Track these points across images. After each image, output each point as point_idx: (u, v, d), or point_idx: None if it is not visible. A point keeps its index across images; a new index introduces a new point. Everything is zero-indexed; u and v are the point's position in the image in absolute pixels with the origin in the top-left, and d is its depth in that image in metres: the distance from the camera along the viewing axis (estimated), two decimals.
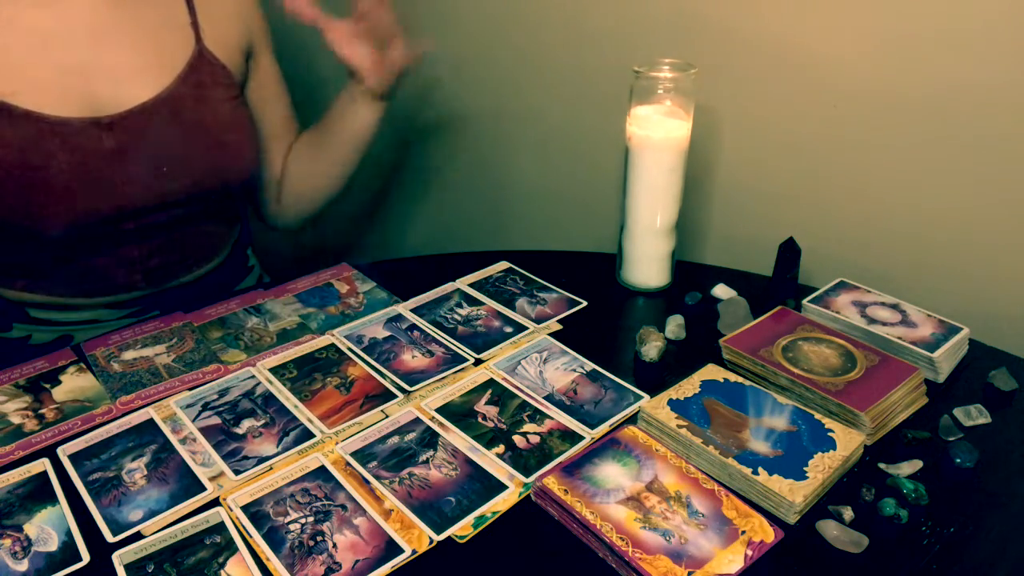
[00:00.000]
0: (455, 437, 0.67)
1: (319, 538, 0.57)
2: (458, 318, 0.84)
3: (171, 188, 0.83)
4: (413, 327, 0.82)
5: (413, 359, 0.77)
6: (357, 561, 0.55)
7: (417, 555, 0.56)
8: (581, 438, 0.67)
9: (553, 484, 0.59)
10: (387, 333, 0.81)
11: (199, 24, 0.85)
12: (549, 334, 0.81)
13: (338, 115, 0.94)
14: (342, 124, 0.94)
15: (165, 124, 0.82)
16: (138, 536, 0.57)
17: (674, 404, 0.67)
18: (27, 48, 0.76)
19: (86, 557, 0.56)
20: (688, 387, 0.69)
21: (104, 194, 0.79)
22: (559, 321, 0.84)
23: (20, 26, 0.75)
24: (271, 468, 0.63)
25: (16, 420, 0.69)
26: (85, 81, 0.78)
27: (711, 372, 0.71)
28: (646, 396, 0.72)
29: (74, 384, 0.73)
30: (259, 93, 0.96)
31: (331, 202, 1.03)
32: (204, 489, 0.61)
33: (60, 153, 0.76)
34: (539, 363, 0.76)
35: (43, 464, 0.64)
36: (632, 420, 0.69)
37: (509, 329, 0.82)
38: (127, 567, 0.55)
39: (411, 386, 0.73)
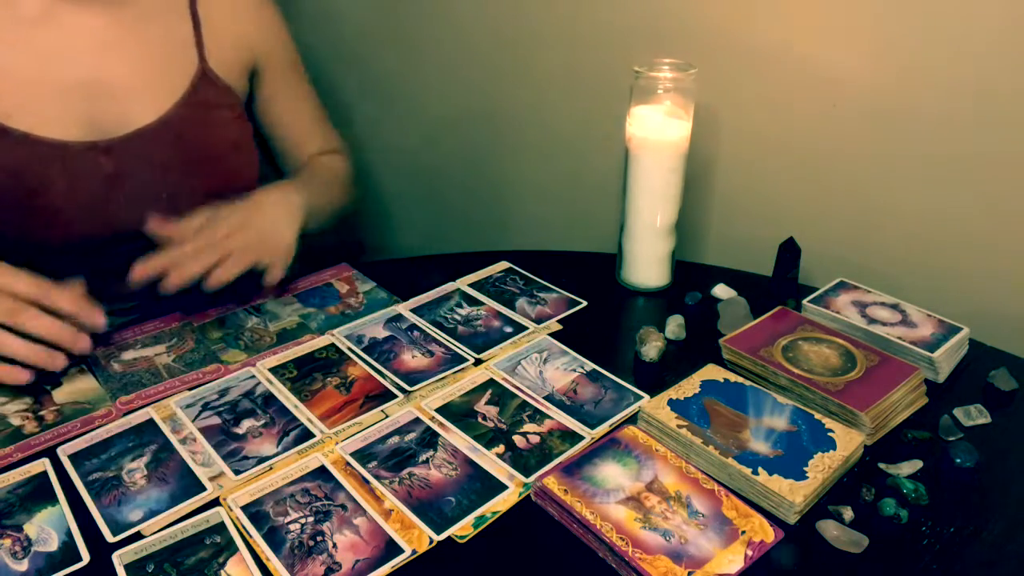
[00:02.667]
0: (455, 437, 0.67)
1: (319, 538, 0.57)
2: (458, 318, 0.84)
3: (170, 212, 0.82)
4: (413, 327, 0.82)
5: (413, 359, 0.77)
6: (357, 561, 0.55)
7: (417, 555, 0.56)
8: (581, 438, 0.67)
9: (553, 484, 0.59)
10: (387, 333, 0.81)
11: (203, 43, 0.83)
12: (549, 334, 0.81)
13: None
14: None
15: (165, 148, 0.80)
16: (138, 536, 0.57)
17: (674, 404, 0.67)
18: (28, 67, 0.74)
19: (86, 557, 0.56)
20: (688, 387, 0.69)
21: (101, 218, 0.78)
22: (559, 321, 0.84)
23: (21, 45, 0.73)
24: (271, 468, 0.63)
25: (16, 422, 0.69)
26: (86, 101, 0.76)
27: (711, 372, 0.71)
28: (646, 396, 0.72)
29: (74, 386, 0.73)
30: (267, 107, 0.94)
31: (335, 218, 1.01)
32: (204, 489, 0.61)
33: (58, 178, 0.75)
34: (539, 363, 0.76)
35: (43, 464, 0.64)
36: (632, 420, 0.69)
37: (509, 329, 0.82)
38: (127, 567, 0.55)
39: (411, 386, 0.73)
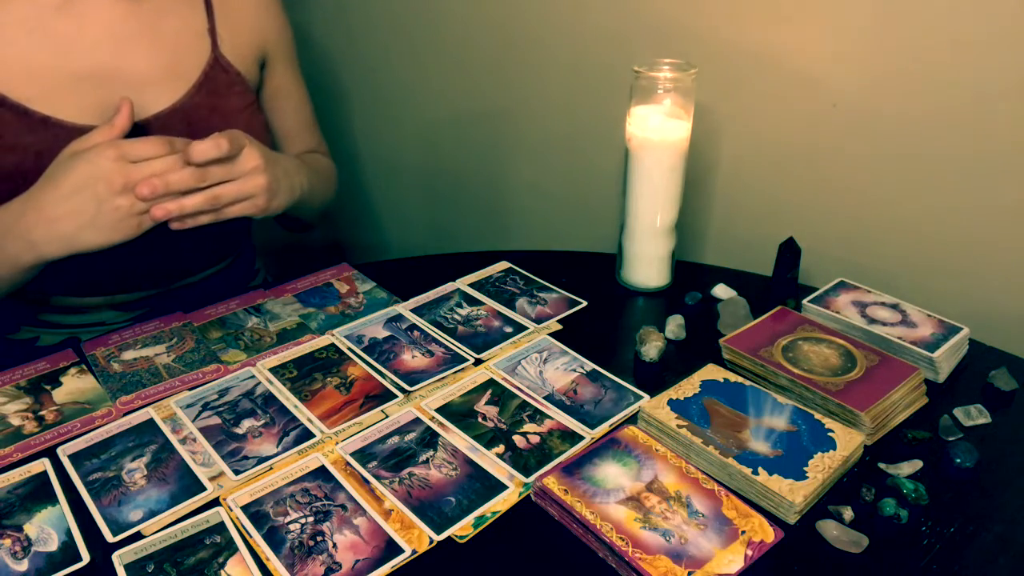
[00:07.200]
0: (455, 437, 0.67)
1: (319, 538, 0.57)
2: (458, 318, 0.84)
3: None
4: (413, 327, 0.82)
5: (413, 359, 0.77)
6: (357, 561, 0.55)
7: (417, 555, 0.56)
8: (581, 438, 0.67)
9: (553, 484, 0.59)
10: (387, 333, 0.81)
11: (216, 31, 0.85)
12: (549, 334, 0.81)
13: None
14: None
15: (178, 135, 0.80)
16: (138, 536, 0.57)
17: (674, 404, 0.67)
18: (47, 54, 0.75)
19: (86, 557, 0.56)
20: (688, 387, 0.69)
21: None
22: (559, 321, 0.84)
23: (41, 32, 0.75)
24: (271, 468, 0.63)
25: (16, 422, 0.69)
26: (102, 89, 0.78)
27: (711, 372, 0.71)
28: (646, 396, 0.72)
29: (74, 386, 0.73)
30: (270, 103, 0.97)
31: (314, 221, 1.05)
32: (204, 489, 0.61)
33: None
34: (539, 363, 0.76)
35: (43, 464, 0.64)
36: (632, 420, 0.69)
37: (509, 329, 0.82)
38: (127, 567, 0.55)
39: (411, 386, 0.73)
